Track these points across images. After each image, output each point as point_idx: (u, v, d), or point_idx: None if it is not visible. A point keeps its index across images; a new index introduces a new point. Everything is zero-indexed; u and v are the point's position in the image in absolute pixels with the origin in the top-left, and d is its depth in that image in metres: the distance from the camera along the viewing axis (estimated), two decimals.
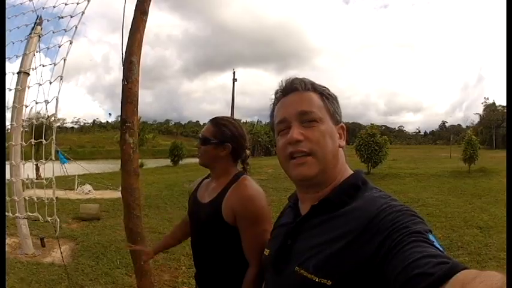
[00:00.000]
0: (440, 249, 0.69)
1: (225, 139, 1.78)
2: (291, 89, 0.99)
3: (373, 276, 0.74)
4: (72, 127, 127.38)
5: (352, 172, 1.01)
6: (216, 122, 1.82)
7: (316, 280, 0.82)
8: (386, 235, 0.75)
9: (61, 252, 4.41)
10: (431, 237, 0.72)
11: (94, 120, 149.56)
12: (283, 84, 1.02)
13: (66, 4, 3.79)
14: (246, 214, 1.61)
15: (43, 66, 3.97)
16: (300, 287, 0.87)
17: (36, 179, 5.33)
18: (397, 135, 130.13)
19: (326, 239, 0.86)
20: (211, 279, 1.77)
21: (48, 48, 3.97)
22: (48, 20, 4.21)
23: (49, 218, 3.96)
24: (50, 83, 3.71)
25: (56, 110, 3.66)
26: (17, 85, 4.74)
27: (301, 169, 0.93)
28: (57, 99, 3.59)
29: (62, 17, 3.77)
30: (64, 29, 3.56)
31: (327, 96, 0.99)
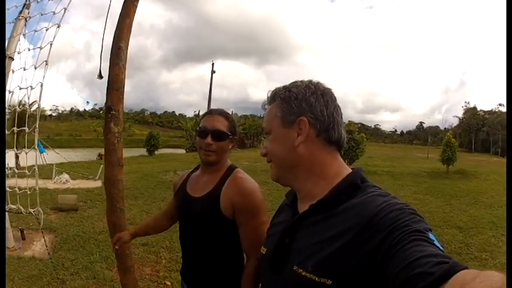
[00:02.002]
0: (441, 248, 0.69)
1: (235, 133, 1.76)
2: (264, 106, 1.11)
3: (373, 275, 0.74)
4: (51, 115, 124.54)
5: (351, 170, 1.00)
6: (226, 115, 1.77)
7: (316, 279, 0.82)
8: (387, 233, 0.75)
9: (46, 246, 4.27)
10: (431, 236, 0.72)
11: (72, 108, 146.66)
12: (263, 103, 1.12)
13: None
14: (246, 207, 1.61)
15: (29, 50, 3.79)
16: (298, 287, 0.87)
17: (17, 168, 5.13)
18: (373, 133, 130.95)
19: (325, 237, 0.86)
20: (202, 273, 1.74)
21: (35, 31, 3.79)
22: (38, 1, 4.03)
23: (32, 210, 3.80)
24: (35, 68, 3.54)
25: (40, 97, 3.51)
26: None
27: (271, 173, 1.07)
28: (41, 86, 3.42)
29: None
30: (53, 12, 3.41)
31: (282, 99, 1.01)
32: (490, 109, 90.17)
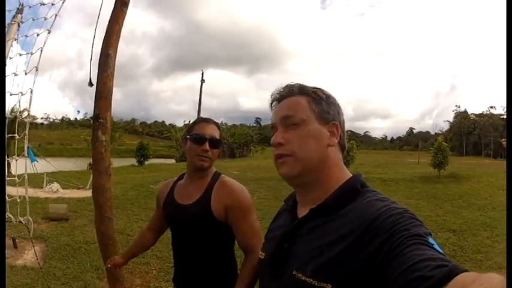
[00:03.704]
0: (441, 251, 0.70)
1: (223, 140, 1.86)
2: (281, 96, 1.05)
3: (373, 279, 0.74)
4: (42, 123, 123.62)
5: (351, 175, 1.01)
6: (217, 123, 1.86)
7: (316, 284, 0.82)
8: (387, 237, 0.75)
9: (36, 256, 4.23)
10: (430, 240, 0.73)
11: (63, 117, 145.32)
12: (275, 93, 1.07)
13: None
14: (237, 206, 1.70)
15: (20, 55, 3.76)
16: None
17: (7, 176, 5.07)
18: (363, 140, 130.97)
19: (325, 242, 0.86)
20: (196, 279, 1.77)
21: (26, 37, 3.76)
22: (30, 7, 4.01)
23: (21, 218, 3.75)
24: (26, 73, 3.52)
25: (30, 103, 3.47)
26: None
27: (283, 168, 0.98)
28: (31, 92, 3.38)
29: (44, 4, 3.58)
30: (44, 17, 3.38)
31: (314, 97, 1.01)
32: (481, 112, 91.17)
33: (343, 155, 1.04)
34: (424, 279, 0.61)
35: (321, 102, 1.01)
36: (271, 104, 1.08)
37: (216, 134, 1.79)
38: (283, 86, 1.06)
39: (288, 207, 1.11)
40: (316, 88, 1.04)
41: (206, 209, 1.71)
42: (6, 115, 4.18)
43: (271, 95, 1.08)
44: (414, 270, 0.64)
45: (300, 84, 1.04)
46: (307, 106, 0.99)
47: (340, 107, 1.04)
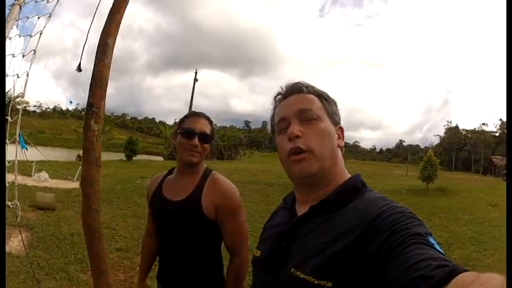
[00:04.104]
0: (441, 251, 0.70)
1: (214, 136, 1.83)
2: (292, 91, 1.03)
3: (374, 277, 0.74)
4: (34, 111, 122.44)
5: (351, 175, 1.02)
6: (208, 117, 1.81)
7: (315, 282, 0.81)
8: (388, 235, 0.75)
9: (23, 243, 4.17)
10: (431, 239, 0.73)
11: (55, 107, 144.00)
12: (284, 88, 1.05)
13: None
14: (228, 207, 1.68)
15: (19, 36, 3.72)
16: None
17: None
18: (352, 150, 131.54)
19: (325, 239, 0.85)
20: (182, 276, 1.75)
21: (27, 18, 3.73)
22: None
23: (9, 203, 3.69)
24: (23, 55, 3.46)
25: (25, 87, 3.41)
26: None
27: (301, 165, 0.93)
28: (27, 75, 3.33)
29: None
30: (47, 0, 3.35)
31: (326, 98, 1.03)
32: (472, 128, 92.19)
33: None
34: (426, 278, 0.61)
35: (331, 104, 1.03)
36: (275, 97, 1.07)
37: (207, 129, 1.76)
38: (293, 82, 1.05)
39: (286, 205, 1.10)
40: (324, 91, 1.06)
41: (196, 206, 1.68)
42: (6, 115, 4.14)
43: (280, 90, 1.07)
44: (416, 269, 0.63)
45: (310, 85, 1.05)
46: (320, 105, 1.00)
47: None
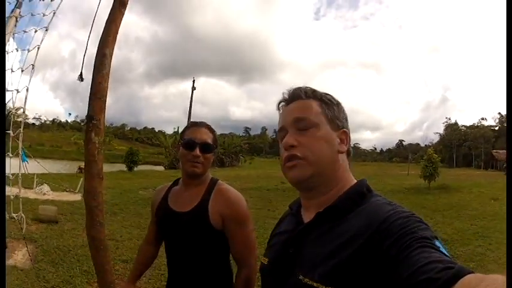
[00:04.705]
0: (446, 254, 0.71)
1: (217, 145, 1.80)
2: (291, 98, 1.03)
3: (380, 281, 0.75)
4: (33, 123, 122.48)
5: (357, 181, 1.01)
6: (209, 126, 1.80)
7: None
8: (395, 240, 0.75)
9: (29, 254, 4.15)
10: (437, 243, 0.74)
11: (54, 119, 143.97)
12: (285, 94, 1.05)
13: None
14: (235, 217, 1.66)
15: (17, 50, 3.71)
16: None
17: None
18: (352, 151, 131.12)
19: (333, 246, 0.86)
20: (192, 287, 1.73)
21: (25, 32, 3.72)
22: (29, 0, 3.97)
23: (14, 215, 3.69)
24: (22, 70, 3.46)
25: (25, 101, 3.41)
26: None
27: (293, 171, 0.96)
28: (27, 90, 3.32)
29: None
30: (43, 13, 3.34)
31: (326, 102, 1.01)
32: (472, 124, 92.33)
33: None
34: (432, 281, 0.62)
35: (332, 108, 1.02)
36: (279, 105, 1.07)
37: (208, 138, 1.75)
38: (293, 88, 1.05)
39: (292, 211, 1.10)
40: (326, 93, 1.05)
41: (203, 217, 1.66)
42: (7, 129, 4.14)
43: (282, 97, 1.06)
44: (422, 272, 0.64)
45: (311, 88, 1.04)
46: (319, 110, 0.99)
47: (347, 115, 1.05)
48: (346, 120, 1.04)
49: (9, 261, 5.05)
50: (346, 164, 1.02)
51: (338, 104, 1.04)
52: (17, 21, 4.46)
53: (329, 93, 1.05)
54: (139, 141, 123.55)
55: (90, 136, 2.20)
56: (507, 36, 0.73)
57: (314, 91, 1.03)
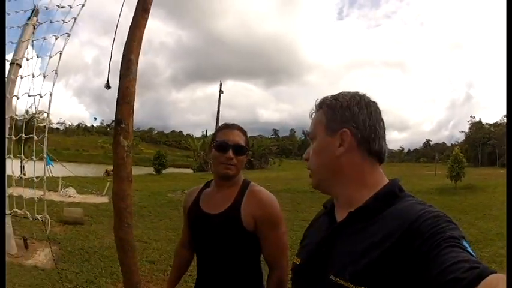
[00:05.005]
0: (473, 254, 0.72)
1: (249, 146, 1.80)
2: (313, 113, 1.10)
3: (410, 280, 0.75)
4: (58, 128, 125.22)
5: (389, 180, 1.01)
6: (242, 128, 1.80)
7: None
8: (425, 239, 0.76)
9: (52, 254, 4.20)
10: (464, 243, 0.75)
11: (79, 124, 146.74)
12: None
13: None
14: (268, 218, 1.66)
15: (38, 57, 3.78)
16: None
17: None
18: None
19: (364, 246, 0.86)
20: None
21: (44, 39, 3.79)
22: (46, 8, 4.02)
23: (38, 216, 3.77)
24: (44, 76, 3.53)
25: (49, 106, 3.49)
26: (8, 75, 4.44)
27: (311, 180, 1.07)
28: (51, 94, 3.39)
29: (62, 7, 3.60)
30: (62, 20, 3.40)
31: (330, 106, 1.03)
32: (495, 121, 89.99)
33: (381, 158, 1.03)
34: (458, 280, 0.64)
35: (333, 111, 1.01)
36: (311, 116, 1.12)
37: (241, 140, 1.74)
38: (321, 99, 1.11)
39: (326, 210, 1.11)
40: (336, 95, 1.05)
41: (236, 219, 1.65)
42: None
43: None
44: (450, 272, 0.67)
45: (322, 99, 1.07)
46: (320, 118, 1.04)
47: (363, 107, 1.00)
48: (354, 114, 0.99)
49: (29, 261, 5.13)
50: (359, 163, 0.98)
51: (342, 102, 1.01)
52: (34, 28, 4.58)
53: (344, 91, 1.06)
54: (167, 145, 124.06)
55: (118, 140, 2.24)
56: (507, 36, 0.74)
57: (322, 101, 1.06)
